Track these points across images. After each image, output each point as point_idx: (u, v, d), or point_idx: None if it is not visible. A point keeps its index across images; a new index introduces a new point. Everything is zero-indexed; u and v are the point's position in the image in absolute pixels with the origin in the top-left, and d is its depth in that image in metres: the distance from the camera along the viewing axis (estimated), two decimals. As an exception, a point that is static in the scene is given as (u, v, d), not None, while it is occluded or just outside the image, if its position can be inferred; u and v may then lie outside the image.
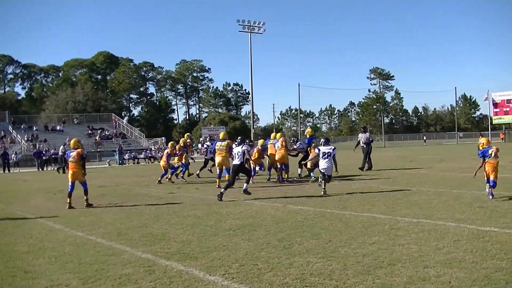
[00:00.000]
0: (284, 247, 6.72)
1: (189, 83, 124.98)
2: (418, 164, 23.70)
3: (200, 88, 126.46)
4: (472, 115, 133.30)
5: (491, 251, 5.89)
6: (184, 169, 18.84)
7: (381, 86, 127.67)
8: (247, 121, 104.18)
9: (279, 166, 16.68)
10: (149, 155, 47.62)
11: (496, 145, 11.06)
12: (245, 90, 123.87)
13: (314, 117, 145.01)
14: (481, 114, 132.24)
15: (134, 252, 6.79)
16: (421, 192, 12.23)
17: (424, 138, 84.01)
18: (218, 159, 15.72)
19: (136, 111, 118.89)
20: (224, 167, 15.57)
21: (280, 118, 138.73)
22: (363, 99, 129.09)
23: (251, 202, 11.77)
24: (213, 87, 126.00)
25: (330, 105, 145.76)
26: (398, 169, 20.01)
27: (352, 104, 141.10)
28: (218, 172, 15.84)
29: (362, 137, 21.16)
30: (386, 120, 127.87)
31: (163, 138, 63.61)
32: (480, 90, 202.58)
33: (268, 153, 16.98)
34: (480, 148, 10.77)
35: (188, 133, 24.17)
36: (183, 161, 18.71)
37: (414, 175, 17.42)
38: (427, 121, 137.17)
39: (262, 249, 6.66)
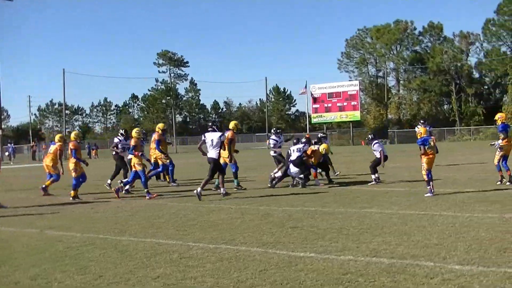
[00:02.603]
0: (39, 286, 6.74)
1: None
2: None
3: None
4: (287, 112, 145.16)
5: (305, 282, 6.54)
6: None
7: (172, 75, 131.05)
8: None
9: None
10: None
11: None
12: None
13: (84, 114, 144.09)
14: (297, 111, 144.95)
15: None
16: (221, 210, 13.03)
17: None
18: None
19: None
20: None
21: (38, 115, 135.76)
22: (149, 91, 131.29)
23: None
24: None
25: (106, 99, 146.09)
26: (194, 180, 20.80)
27: (135, 97, 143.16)
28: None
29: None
30: (179, 118, 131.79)
31: None
32: (296, 82, 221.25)
33: None
34: (419, 137, 14.97)
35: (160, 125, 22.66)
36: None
37: (212, 187, 18.33)
38: (231, 120, 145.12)
39: (6, 291, 6.59)
